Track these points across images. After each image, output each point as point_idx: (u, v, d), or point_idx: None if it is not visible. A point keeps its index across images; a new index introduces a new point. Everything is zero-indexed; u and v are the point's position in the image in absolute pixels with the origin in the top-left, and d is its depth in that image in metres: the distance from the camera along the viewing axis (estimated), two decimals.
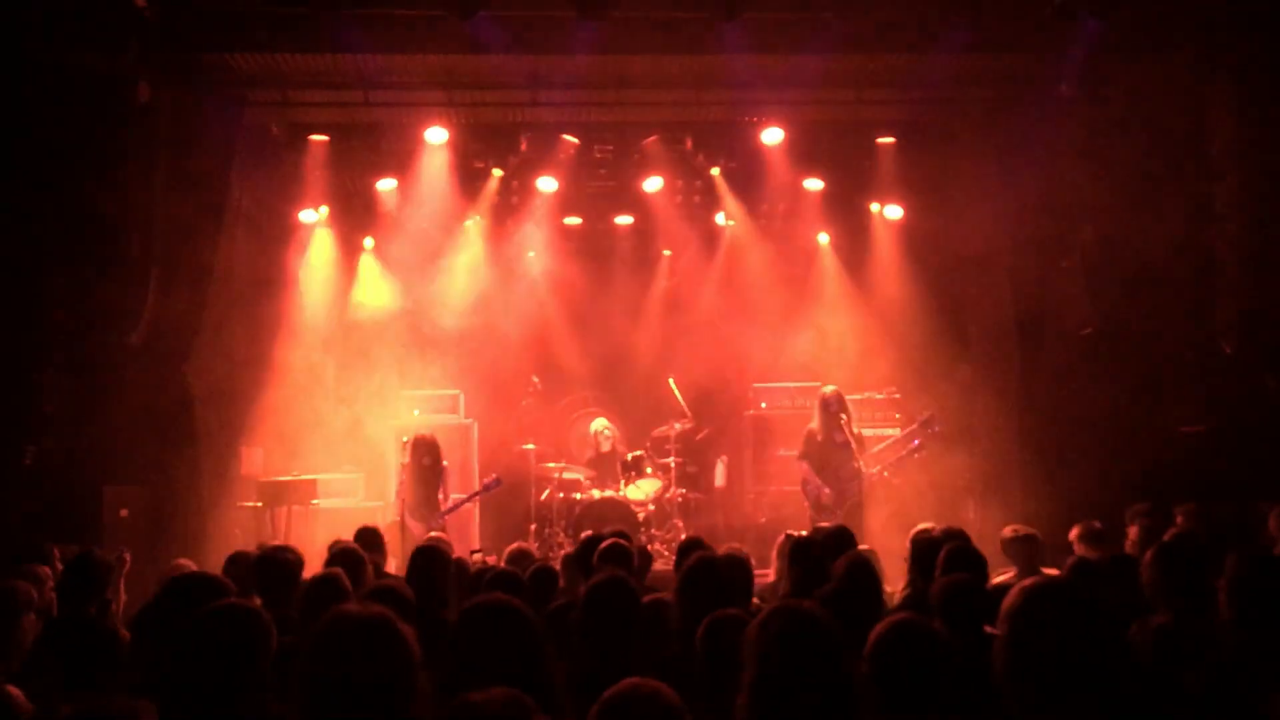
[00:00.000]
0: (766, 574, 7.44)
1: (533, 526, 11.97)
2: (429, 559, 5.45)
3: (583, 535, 9.62)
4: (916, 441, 10.46)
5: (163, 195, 10.13)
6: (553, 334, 13.18)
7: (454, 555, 6.89)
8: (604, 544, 5.81)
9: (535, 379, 12.70)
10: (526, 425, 12.49)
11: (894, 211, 12.66)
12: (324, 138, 11.79)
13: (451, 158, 12.00)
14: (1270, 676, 3.62)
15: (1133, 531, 7.44)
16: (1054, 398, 10.68)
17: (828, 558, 5.43)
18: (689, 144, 12.24)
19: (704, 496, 13.04)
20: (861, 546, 6.76)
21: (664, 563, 9.99)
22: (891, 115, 11.87)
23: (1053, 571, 6.23)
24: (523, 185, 12.84)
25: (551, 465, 12.17)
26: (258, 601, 4.89)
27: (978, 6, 9.56)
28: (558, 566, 6.81)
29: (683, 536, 10.17)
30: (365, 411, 12.12)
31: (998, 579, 6.32)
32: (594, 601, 4.20)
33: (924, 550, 5.79)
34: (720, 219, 13.50)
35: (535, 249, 13.46)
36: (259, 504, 10.89)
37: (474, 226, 13.13)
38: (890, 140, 12.12)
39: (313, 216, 12.54)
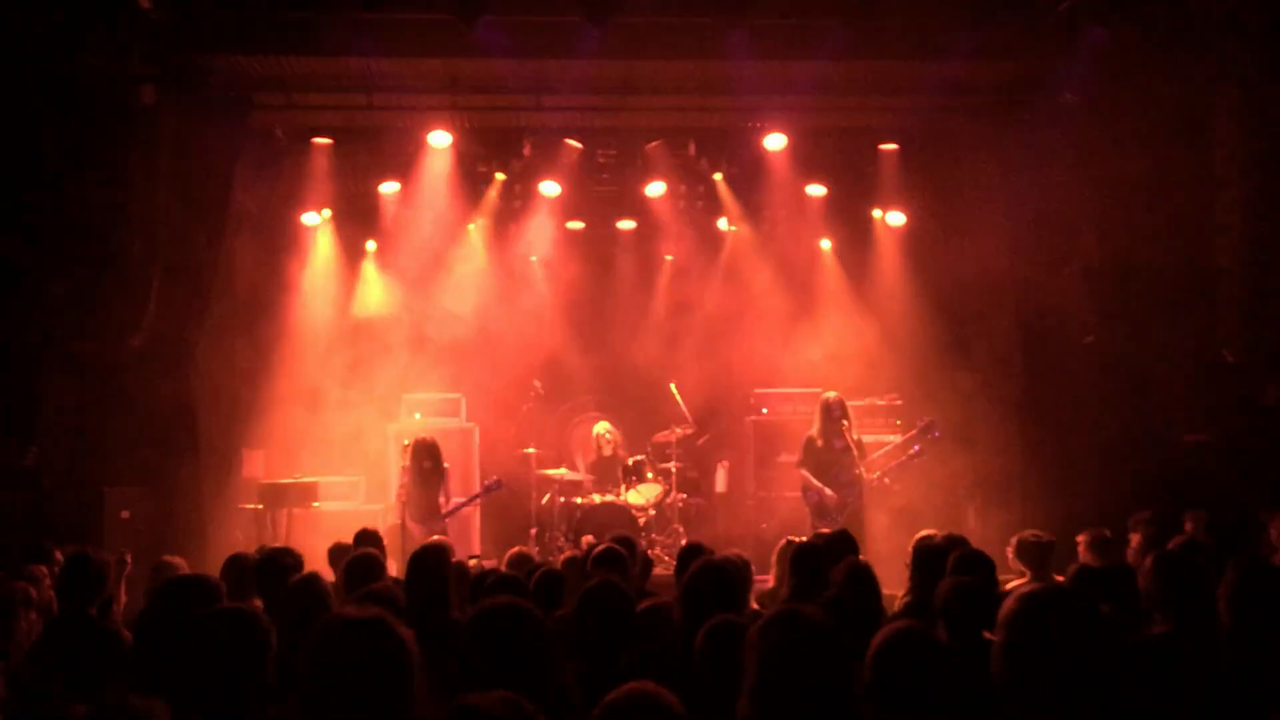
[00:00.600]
0: (767, 579, 7.43)
1: (533, 531, 11.96)
2: (430, 561, 5.44)
3: (584, 540, 9.63)
4: (916, 448, 10.44)
5: (165, 198, 10.15)
6: (554, 338, 13.17)
7: (455, 558, 6.90)
8: (598, 549, 5.79)
9: (537, 383, 12.69)
10: (528, 429, 12.48)
11: (896, 218, 12.66)
12: (327, 141, 11.81)
13: (454, 161, 12.02)
14: (1271, 688, 3.61)
15: (1134, 540, 7.43)
16: (1056, 405, 10.67)
17: (829, 563, 5.42)
18: (692, 149, 12.25)
19: (705, 502, 13.03)
20: (861, 555, 6.77)
21: (664, 568, 9.98)
22: (894, 122, 11.87)
23: (1059, 579, 6.22)
24: (525, 189, 12.85)
25: (552, 471, 12.16)
26: (258, 604, 4.91)
27: (981, 14, 9.57)
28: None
29: (683, 542, 10.16)
30: (366, 415, 12.11)
31: (1011, 585, 6.31)
32: (586, 606, 4.20)
33: (926, 556, 5.79)
34: (723, 224, 13.50)
35: (538, 253, 13.46)
36: (260, 506, 10.89)
37: (476, 230, 13.13)
38: (893, 147, 12.13)
39: (315, 219, 12.55)
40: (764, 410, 12.26)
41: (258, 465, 11.59)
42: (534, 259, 13.53)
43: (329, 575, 5.85)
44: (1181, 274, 9.99)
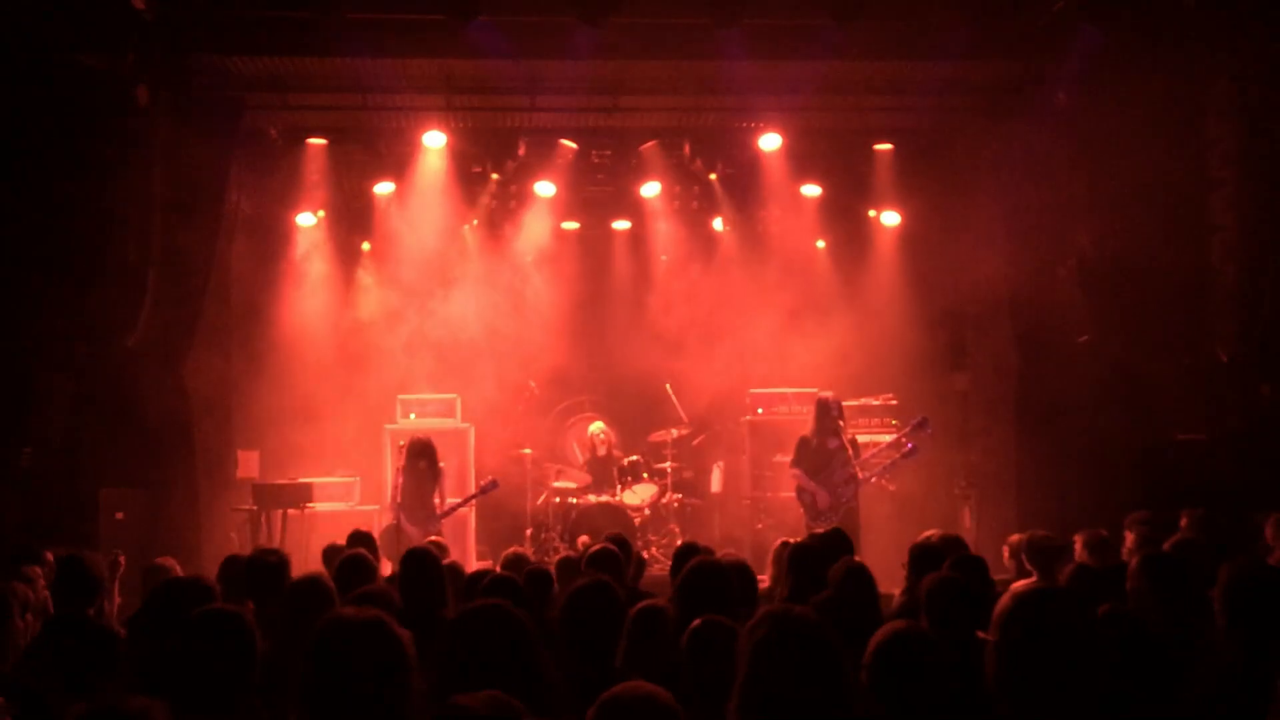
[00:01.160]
0: (762, 580, 7.43)
1: (529, 531, 11.97)
2: (421, 562, 5.44)
3: (580, 541, 9.63)
4: (910, 445, 10.43)
5: (159, 198, 10.14)
6: (550, 339, 13.16)
7: (448, 559, 6.90)
8: (593, 549, 5.79)
9: (532, 383, 12.69)
10: (523, 430, 12.48)
11: (891, 218, 12.67)
12: (322, 141, 11.81)
13: (449, 162, 12.02)
14: (1265, 687, 3.61)
15: (1129, 539, 7.44)
16: (1051, 405, 10.68)
17: (825, 564, 5.42)
18: (687, 149, 12.25)
19: (700, 502, 13.03)
20: (856, 556, 6.77)
21: (660, 568, 9.99)
22: (889, 122, 11.89)
23: None
24: (521, 189, 12.85)
25: (549, 473, 12.16)
26: (250, 606, 4.90)
27: (976, 14, 9.59)
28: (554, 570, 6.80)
29: (679, 542, 10.16)
30: (361, 415, 12.10)
31: (1017, 586, 6.32)
32: (574, 607, 4.20)
33: (922, 557, 5.79)
34: (718, 224, 13.51)
35: (533, 253, 13.46)
36: (254, 508, 10.88)
37: (471, 231, 13.13)
38: (888, 147, 12.15)
39: (310, 220, 12.54)
40: (759, 410, 12.26)
41: (252, 466, 11.59)
42: (529, 259, 13.52)
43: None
44: (1176, 273, 10.01)
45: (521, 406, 12.62)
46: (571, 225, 13.52)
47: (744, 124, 11.81)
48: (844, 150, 12.39)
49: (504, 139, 12.15)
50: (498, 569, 6.74)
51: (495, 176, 12.58)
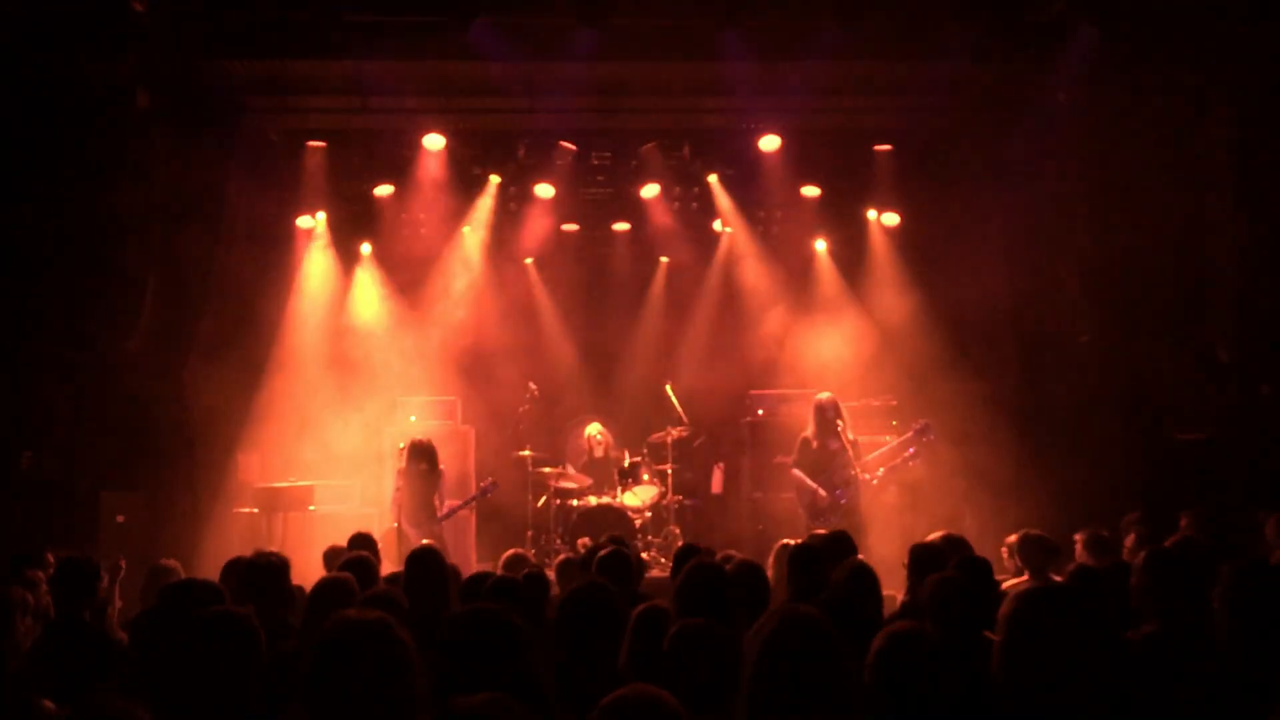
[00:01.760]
0: None
1: (529, 533, 11.96)
2: (426, 565, 5.44)
3: (581, 543, 9.63)
4: (911, 450, 10.45)
5: (160, 201, 10.14)
6: (550, 340, 13.16)
7: (449, 561, 6.91)
8: (602, 553, 5.76)
9: (532, 385, 12.70)
10: (523, 432, 12.48)
11: (891, 219, 12.67)
12: (321, 144, 11.81)
13: (449, 164, 12.00)
14: (1266, 687, 3.61)
15: (1128, 539, 7.45)
16: (1051, 404, 10.69)
17: (828, 564, 5.42)
18: (686, 151, 12.25)
19: (701, 503, 13.02)
20: (858, 556, 6.77)
21: (661, 570, 9.99)
22: (888, 123, 11.88)
23: (1056, 579, 6.23)
24: (520, 192, 12.83)
25: (548, 470, 12.16)
26: (251, 608, 4.90)
27: (975, 15, 9.59)
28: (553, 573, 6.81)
29: (679, 543, 10.16)
30: (362, 417, 12.10)
31: (1009, 584, 6.33)
32: (570, 609, 4.20)
33: (924, 558, 5.79)
34: (717, 226, 13.50)
35: (532, 255, 13.46)
36: (255, 510, 10.88)
37: (471, 233, 13.13)
38: (887, 148, 12.15)
39: (310, 223, 12.53)
40: (760, 411, 12.26)
41: (253, 469, 11.58)
42: (529, 261, 13.52)
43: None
44: (1175, 273, 10.02)
45: (522, 408, 12.63)
46: (571, 227, 13.52)
47: (743, 125, 11.80)
48: (844, 151, 12.38)
49: (503, 141, 12.15)
50: (498, 571, 6.74)
51: (495, 179, 12.57)
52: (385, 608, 3.46)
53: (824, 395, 10.39)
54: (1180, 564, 4.69)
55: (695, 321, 13.25)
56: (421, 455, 10.45)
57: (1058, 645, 3.12)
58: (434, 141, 11.67)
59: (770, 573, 6.92)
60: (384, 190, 12.40)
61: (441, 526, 10.44)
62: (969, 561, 5.39)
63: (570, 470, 12.49)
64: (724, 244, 13.56)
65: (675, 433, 12.32)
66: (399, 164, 12.05)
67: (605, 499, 11.68)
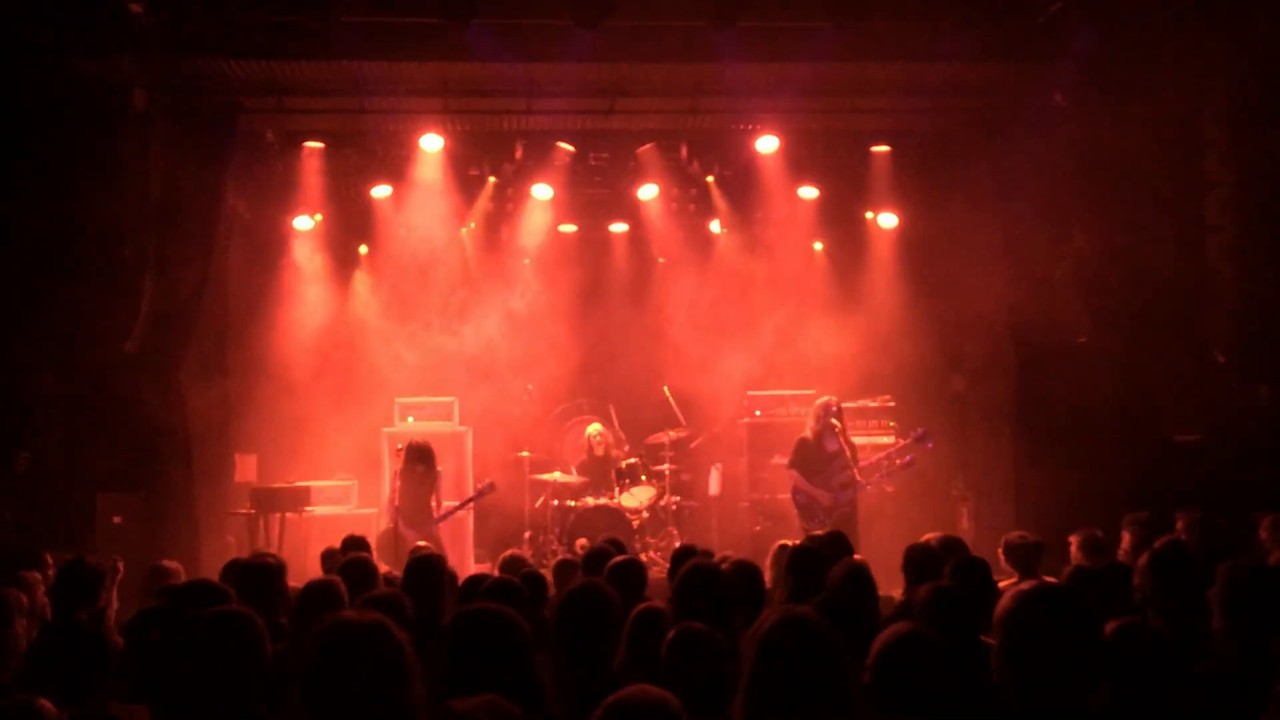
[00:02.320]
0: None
1: (527, 534, 11.96)
2: (425, 568, 5.44)
3: (578, 544, 9.61)
4: (909, 458, 10.46)
5: (156, 202, 10.13)
6: (547, 341, 13.16)
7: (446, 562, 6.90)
8: (617, 559, 5.67)
9: (530, 386, 12.69)
10: (521, 433, 12.48)
11: (889, 220, 12.68)
12: (319, 145, 11.80)
13: (447, 165, 12.00)
14: (1262, 688, 3.62)
15: (1126, 540, 7.45)
16: (1048, 406, 10.68)
17: (825, 565, 5.41)
18: (684, 152, 12.25)
19: (698, 504, 13.03)
20: (855, 556, 6.77)
21: (659, 571, 9.98)
22: (886, 124, 11.89)
23: (1050, 580, 6.23)
24: (518, 192, 12.84)
25: (545, 475, 12.16)
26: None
27: (972, 16, 9.59)
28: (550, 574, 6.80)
29: (677, 544, 10.16)
30: (359, 418, 12.10)
31: (1001, 586, 6.32)
32: (569, 610, 4.19)
33: (918, 559, 5.79)
34: (715, 227, 13.51)
35: (530, 256, 13.46)
36: (252, 511, 10.87)
37: (469, 234, 13.12)
38: (885, 149, 12.16)
39: (307, 223, 12.53)
40: (757, 412, 12.27)
41: (250, 470, 11.58)
42: (526, 262, 13.52)
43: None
44: (1173, 274, 10.02)
45: (519, 409, 12.62)
46: (569, 228, 13.52)
47: (741, 126, 11.81)
48: (841, 152, 12.40)
49: (501, 142, 12.14)
50: (496, 572, 6.74)
51: (492, 179, 12.57)
52: (386, 610, 3.46)
53: (824, 398, 10.40)
54: (1185, 563, 4.70)
55: (693, 322, 13.25)
56: (419, 456, 10.45)
57: (1056, 645, 3.12)
58: (431, 142, 11.67)
59: (768, 574, 6.93)
60: (381, 191, 12.40)
61: (438, 528, 10.43)
62: (966, 563, 5.39)
63: (570, 471, 12.49)
64: (721, 245, 13.56)
65: (673, 434, 12.32)
66: (396, 165, 12.05)
67: (603, 500, 11.67)
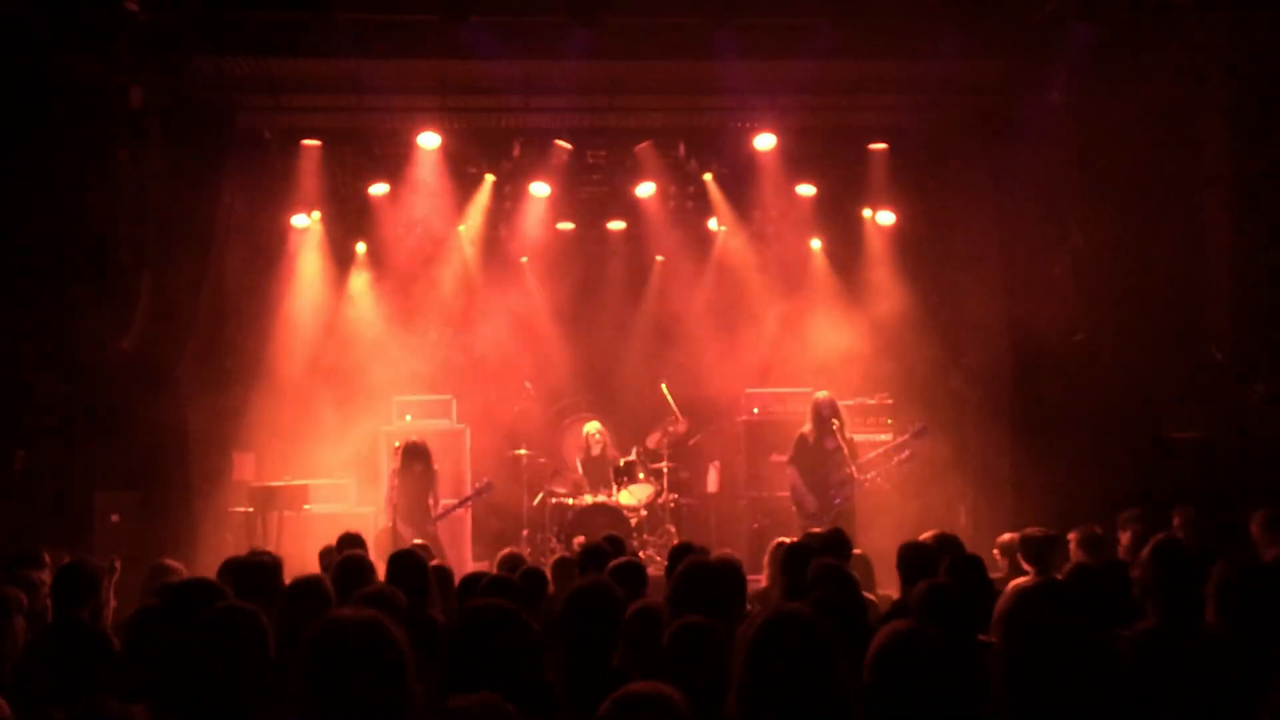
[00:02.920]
0: (759, 579, 7.44)
1: (525, 532, 11.97)
2: (404, 563, 5.45)
3: (576, 542, 9.61)
4: (907, 453, 10.47)
5: (154, 200, 10.12)
6: (545, 339, 13.16)
7: (438, 560, 6.91)
8: (618, 560, 5.67)
9: (528, 384, 12.69)
10: (519, 431, 12.48)
11: (886, 217, 12.67)
12: (316, 142, 11.80)
13: (444, 163, 12.01)
14: (1257, 685, 3.62)
15: (1124, 537, 7.45)
16: (1045, 403, 10.69)
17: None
18: (682, 149, 12.26)
19: (697, 502, 13.03)
20: (855, 551, 6.77)
21: (657, 569, 9.98)
22: (884, 121, 11.90)
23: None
24: (515, 190, 12.84)
25: (545, 474, 12.15)
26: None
27: (969, 13, 9.59)
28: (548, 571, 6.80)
29: (675, 542, 10.16)
30: (357, 417, 12.09)
31: (1016, 583, 6.33)
32: (573, 608, 4.19)
33: (912, 557, 5.78)
34: (713, 224, 13.51)
35: (528, 254, 13.45)
36: (250, 509, 10.86)
37: (466, 231, 13.12)
38: (882, 146, 12.16)
39: (305, 221, 12.51)
40: (755, 410, 12.27)
41: (248, 468, 11.56)
42: (524, 260, 13.52)
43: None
44: (1170, 272, 10.02)
45: (517, 408, 12.61)
46: (566, 226, 13.51)
47: (739, 124, 11.81)
48: (839, 150, 12.41)
49: (498, 140, 12.14)
50: (494, 570, 6.74)
51: (490, 177, 12.57)
52: (381, 606, 3.46)
53: (821, 394, 10.40)
54: (1189, 557, 4.70)
55: (691, 320, 13.25)
56: (416, 455, 10.45)
57: (1056, 642, 3.13)
58: (429, 140, 11.67)
59: (766, 571, 6.94)
60: (379, 189, 12.39)
61: (436, 526, 10.43)
62: (961, 561, 5.39)
63: (568, 469, 12.49)
64: (719, 242, 13.56)
65: (671, 431, 12.32)
66: (394, 163, 12.05)
67: (601, 498, 11.67)
